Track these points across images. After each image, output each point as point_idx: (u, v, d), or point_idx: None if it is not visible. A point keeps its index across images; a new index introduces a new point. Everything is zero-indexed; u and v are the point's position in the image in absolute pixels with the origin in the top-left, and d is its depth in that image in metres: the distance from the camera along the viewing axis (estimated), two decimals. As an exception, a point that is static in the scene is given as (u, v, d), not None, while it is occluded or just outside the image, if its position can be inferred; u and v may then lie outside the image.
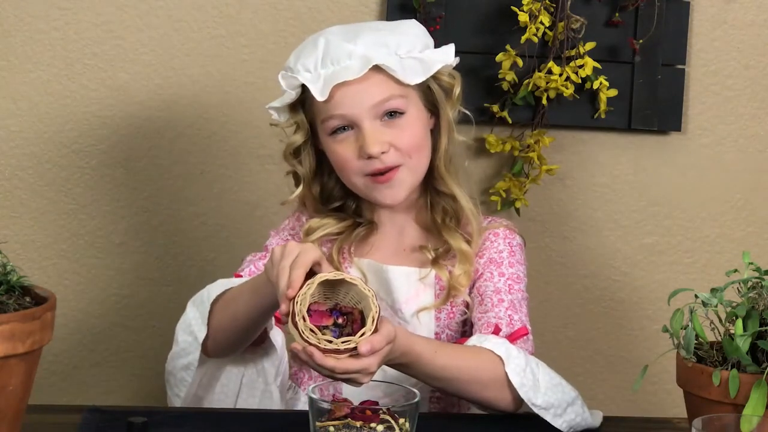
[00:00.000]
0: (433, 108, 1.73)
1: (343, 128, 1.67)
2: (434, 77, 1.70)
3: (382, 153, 1.65)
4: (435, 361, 1.53)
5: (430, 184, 1.74)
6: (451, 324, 1.73)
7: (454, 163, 1.75)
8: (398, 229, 1.76)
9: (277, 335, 1.65)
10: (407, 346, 1.49)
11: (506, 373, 1.56)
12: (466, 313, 1.73)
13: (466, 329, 1.74)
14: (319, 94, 1.64)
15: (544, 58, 2.20)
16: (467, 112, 1.79)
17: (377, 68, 1.64)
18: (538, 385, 1.57)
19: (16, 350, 1.31)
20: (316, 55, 1.66)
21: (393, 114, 1.67)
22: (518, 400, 1.58)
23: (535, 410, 1.56)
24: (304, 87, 1.68)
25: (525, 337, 1.67)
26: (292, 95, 1.69)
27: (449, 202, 1.74)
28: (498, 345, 1.58)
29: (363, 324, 1.39)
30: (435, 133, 1.74)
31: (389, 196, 1.69)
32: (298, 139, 1.72)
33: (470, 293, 1.73)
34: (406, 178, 1.68)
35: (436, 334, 1.72)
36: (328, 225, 1.73)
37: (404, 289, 1.72)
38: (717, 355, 1.44)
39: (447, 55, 1.71)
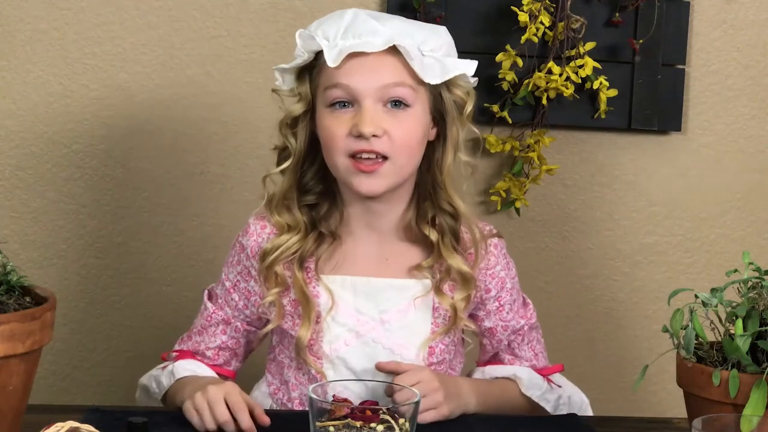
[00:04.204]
0: (439, 118, 1.68)
1: (344, 104, 1.61)
2: (449, 89, 1.66)
3: (374, 136, 1.59)
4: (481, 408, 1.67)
5: (434, 200, 1.69)
6: (445, 351, 1.70)
7: (456, 180, 1.70)
8: (376, 239, 1.70)
9: None
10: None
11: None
12: (463, 337, 1.74)
13: (457, 350, 1.74)
14: (332, 60, 1.58)
15: (544, 58, 2.21)
16: (476, 130, 1.75)
17: (396, 54, 1.60)
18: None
19: (16, 350, 1.31)
20: (339, 26, 1.61)
21: (398, 104, 1.61)
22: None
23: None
24: (316, 55, 1.63)
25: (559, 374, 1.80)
26: (304, 57, 1.64)
27: (449, 219, 1.69)
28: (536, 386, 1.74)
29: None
30: (437, 146, 1.69)
31: (366, 185, 1.62)
32: (298, 108, 1.66)
33: (475, 311, 1.73)
34: (389, 174, 1.62)
35: (430, 364, 1.68)
36: (285, 243, 1.67)
37: (393, 301, 1.67)
38: (717, 355, 1.44)
39: (467, 67, 1.66)
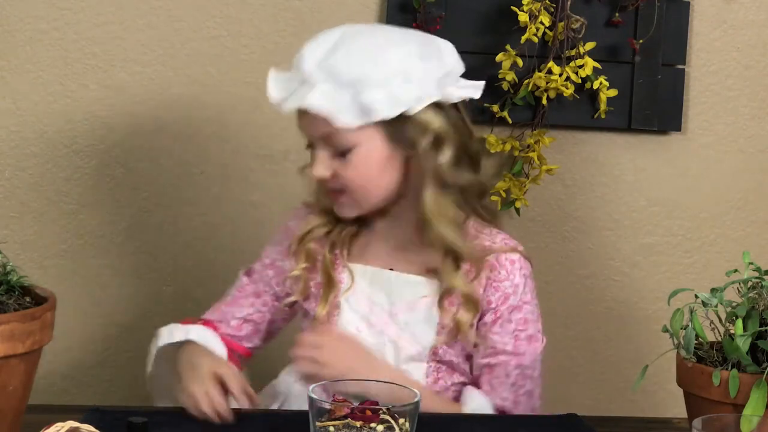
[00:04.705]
0: (409, 143, 1.63)
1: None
2: (408, 119, 1.60)
3: (323, 179, 1.65)
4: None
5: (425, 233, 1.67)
6: (452, 354, 1.70)
7: (448, 207, 1.65)
8: (396, 234, 1.72)
9: None
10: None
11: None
12: (464, 348, 1.71)
13: (459, 363, 1.72)
14: (284, 108, 1.63)
15: (544, 58, 2.20)
16: (479, 134, 1.75)
17: None
18: None
19: (16, 350, 1.31)
20: (301, 56, 1.63)
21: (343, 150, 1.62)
22: None
23: None
24: None
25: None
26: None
27: (445, 243, 1.65)
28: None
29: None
30: (417, 174, 1.65)
31: (340, 211, 1.70)
32: None
33: (478, 326, 1.69)
34: (353, 204, 1.67)
35: (433, 362, 1.69)
36: (318, 222, 1.73)
37: (403, 296, 1.70)
38: (717, 355, 1.44)
39: (392, 107, 1.57)
